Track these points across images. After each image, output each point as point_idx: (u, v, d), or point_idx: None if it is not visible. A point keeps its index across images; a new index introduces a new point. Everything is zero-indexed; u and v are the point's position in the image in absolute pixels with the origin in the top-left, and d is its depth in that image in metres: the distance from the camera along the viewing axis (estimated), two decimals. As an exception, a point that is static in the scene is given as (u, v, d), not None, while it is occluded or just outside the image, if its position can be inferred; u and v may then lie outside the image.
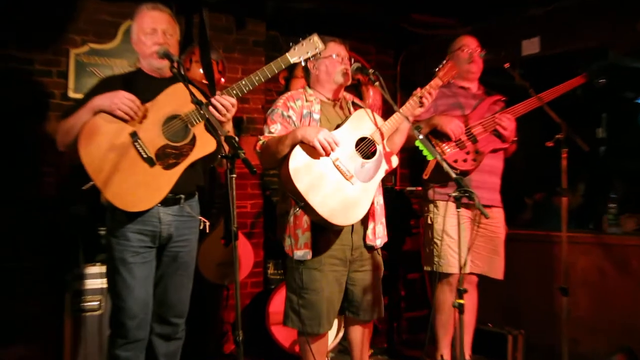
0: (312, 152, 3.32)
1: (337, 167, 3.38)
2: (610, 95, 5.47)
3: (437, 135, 4.10)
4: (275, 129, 3.50)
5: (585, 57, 5.32)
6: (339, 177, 3.38)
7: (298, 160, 3.31)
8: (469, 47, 4.30)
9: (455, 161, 4.09)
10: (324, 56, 3.61)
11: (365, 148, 3.49)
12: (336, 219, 3.32)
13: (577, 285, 4.73)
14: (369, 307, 3.65)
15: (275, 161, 3.43)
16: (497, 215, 4.27)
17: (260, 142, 3.48)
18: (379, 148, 3.52)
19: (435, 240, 4.17)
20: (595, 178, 5.52)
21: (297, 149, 3.32)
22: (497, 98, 4.30)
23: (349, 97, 3.79)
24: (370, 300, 3.64)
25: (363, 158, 3.46)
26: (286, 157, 3.33)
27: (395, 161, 3.58)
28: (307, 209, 3.33)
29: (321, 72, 3.66)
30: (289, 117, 3.54)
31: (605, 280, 4.74)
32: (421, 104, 3.59)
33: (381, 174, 3.52)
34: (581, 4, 4.99)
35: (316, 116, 3.55)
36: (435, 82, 3.63)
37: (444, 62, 3.76)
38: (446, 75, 3.68)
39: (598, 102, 5.59)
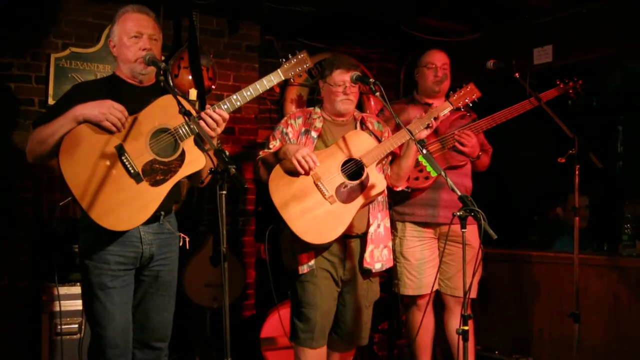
0: (294, 169, 3.54)
1: (317, 185, 3.60)
2: (627, 106, 5.50)
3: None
4: (274, 145, 3.77)
5: (600, 67, 5.35)
6: (317, 196, 3.60)
7: (278, 176, 3.60)
8: (435, 64, 4.42)
9: (407, 179, 4.17)
10: (329, 82, 3.82)
11: (351, 169, 3.68)
12: (307, 236, 3.54)
13: (590, 311, 4.72)
14: (354, 332, 3.89)
15: (268, 176, 3.65)
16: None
17: (258, 157, 3.78)
18: (368, 170, 3.67)
19: (395, 261, 4.35)
20: (610, 196, 5.53)
21: (279, 166, 3.60)
22: (462, 113, 4.40)
23: (359, 115, 3.95)
24: (357, 326, 3.87)
25: (347, 179, 3.65)
26: None
27: (382, 185, 3.72)
28: (284, 223, 3.57)
29: (326, 97, 3.89)
30: (287, 134, 3.79)
31: (619, 306, 4.74)
32: (427, 127, 3.77)
33: (366, 196, 3.66)
34: (596, 10, 5.03)
35: (314, 134, 3.78)
36: (445, 106, 3.77)
37: (464, 85, 3.89)
38: (460, 99, 3.86)
39: (614, 114, 5.61)
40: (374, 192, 3.67)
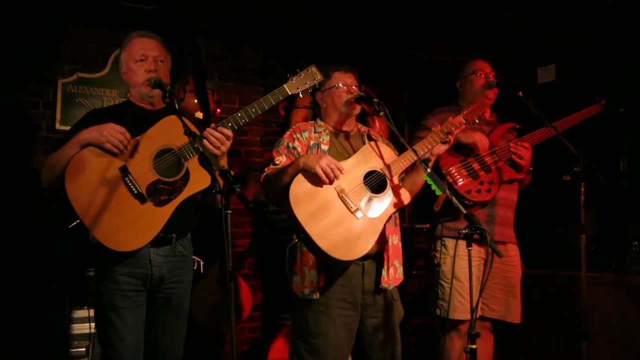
0: (316, 180, 3.33)
1: (341, 198, 3.37)
2: (633, 122, 5.47)
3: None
4: (280, 161, 3.54)
5: (605, 83, 5.35)
6: (343, 209, 3.36)
7: (299, 188, 3.33)
8: (485, 71, 4.29)
9: (469, 192, 4.04)
10: (330, 87, 3.65)
11: (374, 182, 3.48)
12: (336, 253, 3.27)
13: (598, 329, 4.68)
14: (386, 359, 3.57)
15: (278, 193, 3.43)
16: (513, 253, 4.21)
17: (264, 174, 3.54)
18: (392, 182, 3.50)
19: (441, 282, 4.12)
20: (617, 214, 5.50)
21: (299, 177, 3.34)
22: (510, 125, 4.28)
23: (364, 129, 3.81)
24: (388, 352, 3.57)
25: (371, 192, 3.45)
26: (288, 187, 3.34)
27: (406, 198, 3.55)
28: (307, 241, 3.31)
29: (328, 104, 3.70)
30: (294, 148, 3.57)
31: (627, 324, 4.70)
32: (445, 142, 3.58)
33: (390, 210, 3.49)
34: (597, 27, 5.04)
35: (324, 147, 3.58)
36: (458, 120, 3.62)
37: (472, 102, 3.81)
38: (470, 114, 3.67)
39: (620, 130, 5.59)
40: (398, 205, 3.50)
